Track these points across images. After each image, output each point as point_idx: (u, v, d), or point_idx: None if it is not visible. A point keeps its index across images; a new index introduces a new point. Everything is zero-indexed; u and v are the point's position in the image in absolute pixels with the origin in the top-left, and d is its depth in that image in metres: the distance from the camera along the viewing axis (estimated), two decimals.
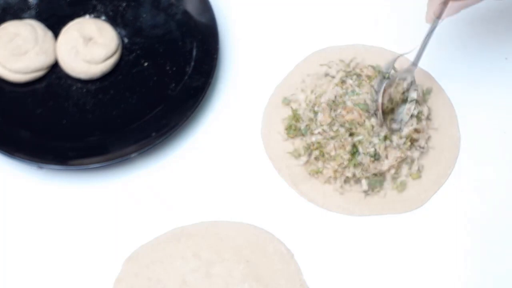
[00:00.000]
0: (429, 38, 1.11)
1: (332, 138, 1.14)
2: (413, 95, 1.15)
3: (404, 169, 1.15)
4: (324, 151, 1.14)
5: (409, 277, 1.10)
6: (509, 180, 1.16)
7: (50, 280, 1.09)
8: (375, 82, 1.15)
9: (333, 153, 1.13)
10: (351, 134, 1.14)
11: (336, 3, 1.28)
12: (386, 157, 1.14)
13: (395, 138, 1.14)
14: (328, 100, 1.16)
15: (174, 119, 1.17)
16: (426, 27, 1.26)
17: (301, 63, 1.23)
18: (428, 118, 1.17)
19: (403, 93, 1.15)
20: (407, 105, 1.15)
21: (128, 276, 1.09)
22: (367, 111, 1.14)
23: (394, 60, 1.14)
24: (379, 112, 1.12)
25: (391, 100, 1.14)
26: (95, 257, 1.10)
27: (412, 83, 1.15)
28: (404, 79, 1.15)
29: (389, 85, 1.13)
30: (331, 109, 1.15)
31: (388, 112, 1.14)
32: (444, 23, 1.26)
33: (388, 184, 1.15)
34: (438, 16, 1.08)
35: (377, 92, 1.13)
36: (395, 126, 1.14)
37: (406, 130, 1.14)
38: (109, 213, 1.13)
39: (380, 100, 1.12)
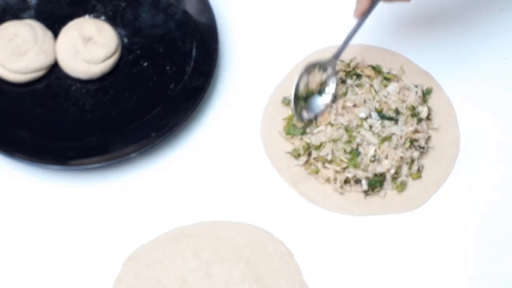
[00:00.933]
0: (354, 33, 1.11)
1: (332, 138, 1.14)
2: (331, 88, 1.14)
3: (404, 169, 1.15)
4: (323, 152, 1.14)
5: (409, 277, 1.10)
6: (509, 180, 1.16)
7: (50, 280, 1.09)
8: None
9: (332, 155, 1.13)
10: (351, 135, 1.14)
11: (336, 3, 1.28)
12: (386, 157, 1.14)
13: (394, 138, 1.14)
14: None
15: (174, 119, 1.17)
16: (426, 27, 1.26)
17: (301, 63, 1.23)
18: (428, 118, 1.17)
19: (321, 84, 1.15)
20: (323, 96, 1.14)
21: (128, 276, 1.09)
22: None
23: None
24: (291, 97, 1.12)
25: (306, 88, 1.14)
26: (95, 257, 1.10)
27: (331, 75, 1.14)
28: (325, 70, 1.14)
29: (308, 73, 1.13)
30: (330, 108, 1.15)
31: (301, 99, 1.13)
32: (444, 24, 1.26)
33: (388, 184, 1.15)
34: (366, 13, 1.08)
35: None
36: (305, 115, 1.14)
37: (406, 130, 1.15)
38: (109, 213, 1.13)
39: (294, 85, 1.11)
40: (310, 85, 1.14)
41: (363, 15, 1.09)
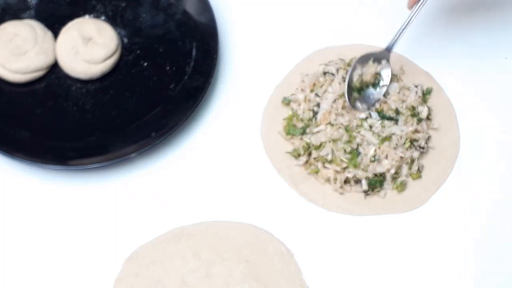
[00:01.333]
0: (408, 25, 1.13)
1: (332, 138, 1.14)
2: (385, 80, 1.15)
3: (404, 169, 1.15)
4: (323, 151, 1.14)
5: (409, 277, 1.10)
6: (509, 180, 1.16)
7: (50, 280, 1.09)
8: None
9: (332, 155, 1.13)
10: (351, 135, 1.14)
11: (336, 3, 1.28)
12: (386, 157, 1.14)
13: (394, 138, 1.14)
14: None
15: (174, 119, 1.17)
16: (426, 27, 1.26)
17: (301, 62, 1.23)
18: (428, 118, 1.17)
19: (376, 76, 1.15)
20: (378, 89, 1.15)
21: (128, 276, 1.09)
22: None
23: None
24: (345, 87, 1.12)
25: (360, 79, 1.14)
26: (95, 257, 1.10)
27: (385, 67, 1.15)
28: (379, 63, 1.15)
29: (361, 64, 1.14)
30: (331, 108, 1.15)
31: (355, 90, 1.14)
32: (444, 24, 1.26)
33: (388, 184, 1.15)
34: (418, 3, 1.11)
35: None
36: (359, 105, 1.15)
37: (406, 130, 1.15)
38: (109, 213, 1.13)
39: (348, 76, 1.13)
40: (364, 77, 1.14)
41: (416, 5, 1.11)
